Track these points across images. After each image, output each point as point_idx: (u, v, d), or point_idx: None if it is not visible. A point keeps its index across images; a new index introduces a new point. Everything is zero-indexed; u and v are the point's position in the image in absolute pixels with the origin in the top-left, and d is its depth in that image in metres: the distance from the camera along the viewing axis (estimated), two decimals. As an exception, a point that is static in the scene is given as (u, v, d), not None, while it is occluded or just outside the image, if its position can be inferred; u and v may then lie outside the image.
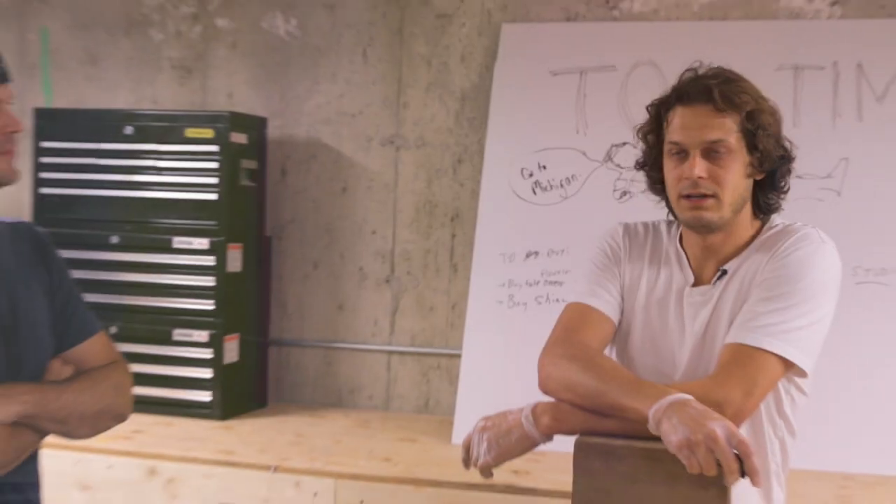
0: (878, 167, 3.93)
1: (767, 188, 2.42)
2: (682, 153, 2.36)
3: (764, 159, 2.36)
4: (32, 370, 2.35)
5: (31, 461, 2.41)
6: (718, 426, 2.03)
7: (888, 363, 3.78)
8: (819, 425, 3.52)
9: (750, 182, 2.39)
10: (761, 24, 4.21)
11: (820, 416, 3.55)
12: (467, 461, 2.41)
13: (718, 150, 2.33)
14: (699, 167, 2.32)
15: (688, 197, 2.35)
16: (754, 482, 2.05)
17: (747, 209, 2.42)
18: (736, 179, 2.34)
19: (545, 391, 2.35)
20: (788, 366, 2.29)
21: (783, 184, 2.44)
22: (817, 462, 3.60)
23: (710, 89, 2.34)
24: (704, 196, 2.34)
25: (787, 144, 2.41)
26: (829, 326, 2.36)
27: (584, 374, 2.28)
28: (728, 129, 2.33)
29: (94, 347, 2.53)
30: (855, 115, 4.00)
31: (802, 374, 2.34)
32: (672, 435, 2.06)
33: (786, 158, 2.43)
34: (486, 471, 2.38)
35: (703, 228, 2.39)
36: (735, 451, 2.00)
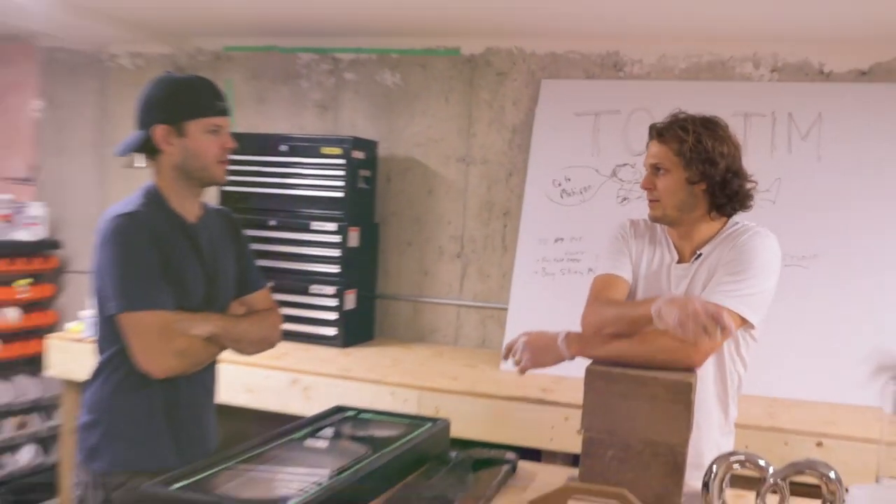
0: (801, 185, 3.90)
1: (717, 194, 2.40)
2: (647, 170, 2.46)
3: (699, 174, 2.37)
4: (222, 305, 2.51)
5: (212, 367, 2.57)
6: (697, 302, 2.07)
7: (805, 318, 3.75)
8: (753, 361, 3.51)
9: (695, 189, 2.39)
10: (723, 84, 4.16)
11: (755, 354, 3.54)
12: (507, 355, 2.53)
13: (658, 169, 2.41)
14: (644, 181, 2.45)
15: (649, 200, 2.46)
16: (725, 333, 2.08)
17: (701, 208, 2.42)
18: (673, 188, 2.40)
19: (587, 334, 2.39)
20: (743, 320, 2.30)
21: (731, 190, 2.41)
22: (754, 388, 3.57)
23: (656, 129, 2.44)
24: (653, 200, 2.44)
25: (721, 162, 2.38)
26: (772, 294, 2.40)
27: (609, 310, 2.34)
28: (663, 155, 2.40)
29: (259, 296, 2.69)
30: (786, 148, 3.95)
31: (752, 326, 2.36)
32: (668, 318, 2.11)
33: (730, 173, 2.40)
34: (524, 371, 2.47)
35: (656, 220, 2.49)
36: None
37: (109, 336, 2.38)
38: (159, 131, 2.37)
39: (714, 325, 2.05)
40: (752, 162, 3.80)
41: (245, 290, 2.67)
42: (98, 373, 2.44)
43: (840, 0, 3.38)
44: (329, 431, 2.41)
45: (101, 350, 2.44)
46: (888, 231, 3.75)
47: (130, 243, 2.29)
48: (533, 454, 3.25)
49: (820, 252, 3.80)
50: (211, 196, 4.77)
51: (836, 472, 1.81)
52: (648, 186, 2.45)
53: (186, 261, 2.41)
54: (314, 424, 2.47)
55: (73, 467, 2.50)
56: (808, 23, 3.77)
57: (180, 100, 2.38)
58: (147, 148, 2.40)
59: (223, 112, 2.43)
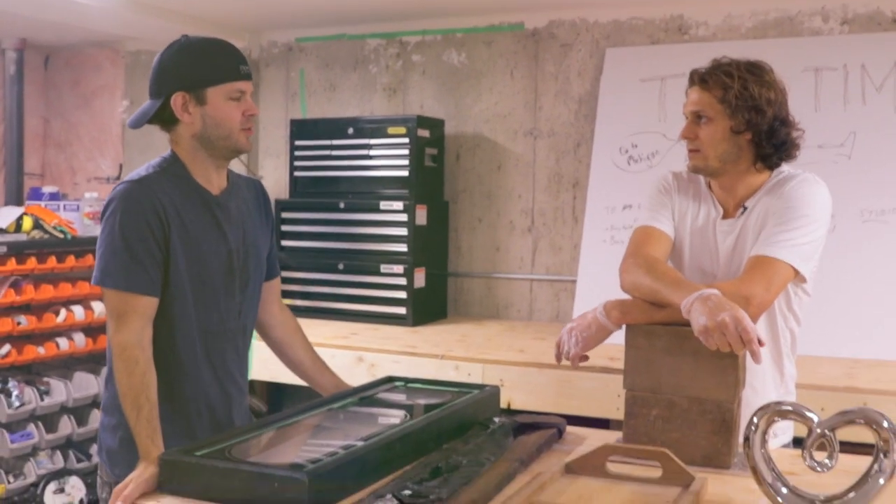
0: (878, 138, 3.65)
1: (763, 143, 2.18)
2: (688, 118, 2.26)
3: (744, 122, 2.16)
4: (247, 282, 2.32)
5: (242, 361, 2.38)
6: (728, 315, 1.88)
7: (886, 274, 3.51)
8: (832, 322, 3.31)
9: (739, 139, 2.18)
10: (791, 41, 3.92)
11: (833, 315, 3.32)
12: (559, 356, 2.30)
13: (700, 117, 2.21)
14: (685, 130, 2.25)
15: (689, 150, 2.26)
16: (755, 360, 1.91)
17: (746, 160, 2.21)
18: (716, 138, 2.19)
19: (623, 290, 2.21)
20: (795, 272, 2.09)
21: (778, 140, 2.20)
22: (832, 350, 3.36)
23: (698, 74, 2.24)
24: (693, 150, 2.23)
25: (769, 110, 2.16)
26: (823, 243, 2.18)
27: (647, 276, 2.13)
28: (706, 103, 2.19)
29: (275, 284, 2.47)
30: (860, 101, 3.70)
31: (804, 279, 2.15)
32: (694, 322, 1.93)
33: (778, 121, 2.19)
34: (577, 360, 2.26)
35: (696, 171, 2.28)
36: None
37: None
38: (178, 99, 2.13)
39: (740, 345, 1.88)
40: (825, 116, 3.65)
41: (269, 274, 2.45)
42: (109, 368, 2.19)
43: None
44: (372, 400, 2.30)
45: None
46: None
47: (128, 212, 2.09)
48: (602, 424, 3.09)
49: (900, 206, 3.53)
50: (282, 182, 4.75)
51: (890, 421, 1.61)
52: (689, 136, 2.23)
53: (206, 234, 2.18)
54: (359, 394, 2.36)
55: (99, 466, 2.30)
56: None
57: (200, 65, 2.15)
58: (163, 117, 2.18)
59: (246, 76, 2.18)
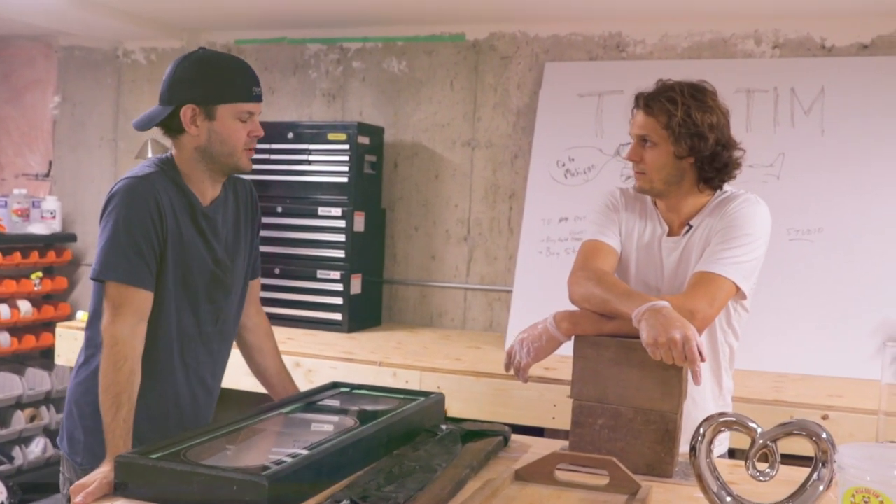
0: (805, 160, 3.78)
1: (706, 167, 2.26)
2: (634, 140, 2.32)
3: (687, 148, 2.23)
4: (230, 290, 2.37)
5: (215, 361, 2.40)
6: (679, 334, 1.95)
7: (811, 292, 3.63)
8: (760, 337, 3.40)
9: (683, 163, 2.26)
10: (725, 62, 4.04)
11: (761, 330, 3.42)
12: (509, 365, 2.34)
13: (645, 140, 2.27)
14: (630, 152, 2.30)
15: (635, 172, 2.33)
16: (695, 380, 1.99)
17: (690, 181, 2.29)
18: (660, 162, 2.26)
19: (572, 302, 2.26)
20: (737, 288, 2.17)
21: (720, 163, 2.28)
22: (759, 364, 3.47)
23: (643, 98, 2.29)
24: (639, 172, 2.30)
25: (711, 136, 2.23)
26: (762, 261, 2.27)
27: (597, 288, 2.18)
28: (651, 127, 2.25)
29: (256, 284, 2.51)
30: (790, 123, 3.82)
31: (744, 296, 2.23)
32: (644, 334, 1.98)
33: (720, 146, 2.27)
34: (525, 371, 2.31)
35: (642, 192, 2.35)
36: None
37: (97, 314, 2.19)
38: (188, 111, 2.15)
39: (683, 361, 1.95)
40: (756, 137, 3.76)
41: (251, 275, 2.48)
42: (85, 359, 2.25)
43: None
44: (320, 405, 2.32)
45: (90, 333, 2.24)
46: (892, 202, 3.62)
47: (132, 207, 2.10)
48: (536, 433, 3.14)
49: (825, 226, 3.67)
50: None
51: (827, 433, 1.69)
52: (635, 158, 2.29)
53: (193, 241, 2.22)
54: (306, 399, 2.38)
55: (62, 462, 2.30)
56: (809, -3, 3.66)
57: (215, 81, 2.17)
58: (169, 125, 2.20)
59: (258, 98, 2.21)
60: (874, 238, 3.60)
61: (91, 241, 5.14)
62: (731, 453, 2.53)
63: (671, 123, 2.22)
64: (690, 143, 2.22)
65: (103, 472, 1.84)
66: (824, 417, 2.98)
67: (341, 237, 4.16)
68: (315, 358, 3.59)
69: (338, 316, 4.16)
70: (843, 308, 3.57)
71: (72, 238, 5.05)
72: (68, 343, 3.95)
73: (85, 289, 5.13)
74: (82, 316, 4.14)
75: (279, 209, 4.23)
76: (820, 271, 3.62)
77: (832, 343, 3.53)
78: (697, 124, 2.21)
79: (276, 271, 4.19)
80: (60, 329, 4.00)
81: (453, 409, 3.34)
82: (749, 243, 2.21)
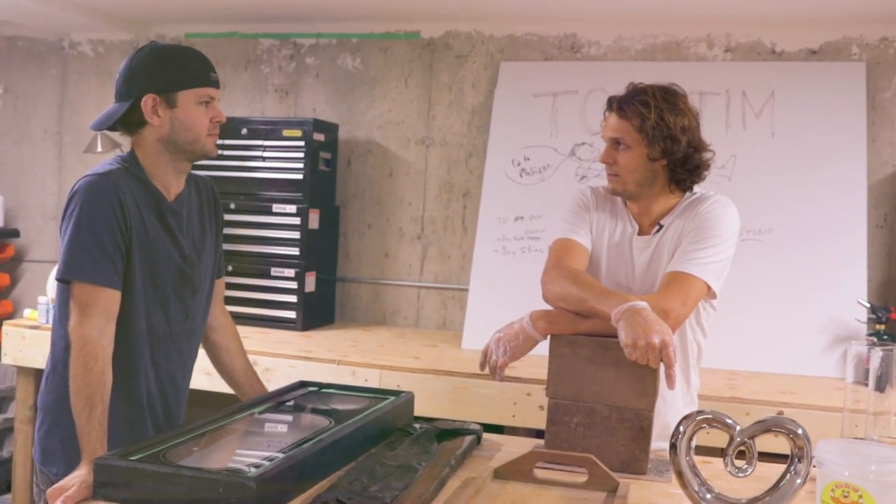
0: (756, 162, 3.86)
1: (678, 169, 2.30)
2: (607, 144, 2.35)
3: (660, 151, 2.27)
4: (198, 288, 2.35)
5: (185, 363, 2.38)
6: (657, 338, 1.98)
7: (762, 292, 3.71)
8: (713, 335, 3.46)
9: (655, 165, 2.30)
10: (678, 64, 4.11)
11: (714, 328, 3.49)
12: (484, 364, 2.33)
13: (618, 143, 2.30)
14: (604, 155, 2.33)
15: (608, 174, 2.35)
16: (668, 385, 2.02)
17: (661, 183, 2.33)
18: (633, 164, 2.29)
19: (546, 301, 2.26)
20: (708, 288, 2.22)
21: (691, 165, 2.33)
22: (713, 361, 3.54)
23: (616, 101, 2.32)
24: (612, 174, 2.33)
25: (683, 139, 2.27)
26: (731, 262, 2.33)
27: (573, 286, 2.19)
28: (624, 130, 2.29)
29: (221, 283, 2.49)
30: (741, 125, 3.91)
31: (714, 295, 2.28)
32: (623, 335, 2.01)
33: (692, 148, 2.31)
34: (502, 370, 2.30)
35: (615, 194, 2.39)
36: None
37: (63, 317, 2.14)
38: (148, 101, 2.14)
39: (658, 363, 2.00)
40: (708, 139, 3.72)
41: (216, 274, 2.46)
42: (54, 366, 2.19)
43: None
44: (291, 405, 2.31)
45: (57, 338, 2.18)
46: (840, 204, 3.72)
47: (94, 204, 2.07)
48: (496, 430, 3.16)
49: (775, 226, 3.76)
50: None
51: (804, 429, 1.74)
52: (608, 161, 2.32)
53: (160, 238, 2.20)
54: (275, 399, 2.36)
55: (33, 470, 2.24)
56: (759, 4, 3.72)
57: (172, 69, 2.17)
58: (128, 120, 2.18)
59: (216, 83, 2.22)
60: (823, 239, 3.70)
61: (34, 236, 5.04)
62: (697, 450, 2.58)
63: (644, 126, 2.25)
64: (663, 145, 2.26)
65: (81, 475, 1.82)
66: (779, 413, 3.05)
67: (296, 234, 4.14)
68: (272, 357, 3.57)
69: (292, 314, 4.14)
70: (792, 307, 3.66)
71: (14, 233, 4.94)
72: (15, 342, 3.86)
73: (28, 286, 5.01)
74: (30, 314, 4.04)
75: (232, 206, 4.18)
76: (771, 271, 3.71)
77: (782, 341, 3.62)
78: (670, 127, 2.25)
79: (230, 269, 4.14)
80: (7, 327, 3.90)
81: (416, 407, 3.34)
82: (720, 244, 2.25)
